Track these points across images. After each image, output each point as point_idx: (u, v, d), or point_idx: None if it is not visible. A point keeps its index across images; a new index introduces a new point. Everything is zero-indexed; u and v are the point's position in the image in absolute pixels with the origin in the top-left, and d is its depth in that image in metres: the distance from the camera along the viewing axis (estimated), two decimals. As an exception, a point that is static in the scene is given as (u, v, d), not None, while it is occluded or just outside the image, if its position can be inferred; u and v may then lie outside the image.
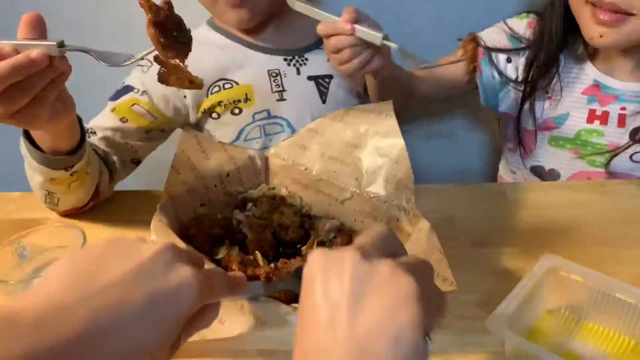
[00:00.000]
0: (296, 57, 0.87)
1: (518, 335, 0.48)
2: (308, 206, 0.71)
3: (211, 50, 0.85)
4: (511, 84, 0.93)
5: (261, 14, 0.82)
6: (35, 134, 0.63)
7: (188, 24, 0.72)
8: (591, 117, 0.88)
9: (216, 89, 0.84)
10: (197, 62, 0.79)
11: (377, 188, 0.66)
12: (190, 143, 0.66)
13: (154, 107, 0.82)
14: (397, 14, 1.10)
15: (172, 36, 0.52)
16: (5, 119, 0.52)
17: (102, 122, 0.81)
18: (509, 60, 0.93)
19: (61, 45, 0.50)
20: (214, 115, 0.86)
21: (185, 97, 0.84)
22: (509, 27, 0.94)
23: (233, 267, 0.56)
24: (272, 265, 0.56)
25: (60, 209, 0.75)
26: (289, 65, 0.87)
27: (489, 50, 0.94)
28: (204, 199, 0.66)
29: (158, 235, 0.54)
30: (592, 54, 0.88)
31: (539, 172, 0.96)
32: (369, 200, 0.66)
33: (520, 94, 0.92)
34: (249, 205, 0.67)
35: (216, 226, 0.63)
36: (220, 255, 0.60)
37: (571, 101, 0.89)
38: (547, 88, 0.90)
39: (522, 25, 0.93)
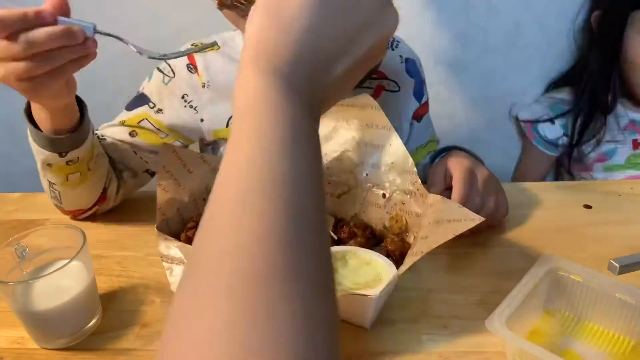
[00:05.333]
0: None
1: (518, 335, 0.48)
2: None
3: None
4: (559, 141, 1.16)
5: None
6: (35, 113, 0.63)
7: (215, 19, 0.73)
8: (635, 144, 1.11)
9: None
10: (225, 85, 0.78)
11: (375, 178, 0.66)
12: (170, 158, 0.64)
13: (165, 127, 0.79)
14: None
15: None
16: (21, 81, 0.52)
17: (113, 133, 0.78)
18: (552, 122, 1.16)
19: (96, 29, 0.53)
20: None
21: (202, 120, 0.79)
22: (551, 97, 1.18)
23: None
24: None
25: (64, 207, 0.74)
26: None
27: (536, 122, 1.18)
28: (193, 215, 0.66)
29: (167, 249, 0.54)
30: (627, 101, 1.10)
31: None
32: (369, 190, 0.66)
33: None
34: None
35: None
36: None
37: (614, 138, 1.10)
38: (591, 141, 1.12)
39: (565, 93, 1.16)
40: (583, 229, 0.69)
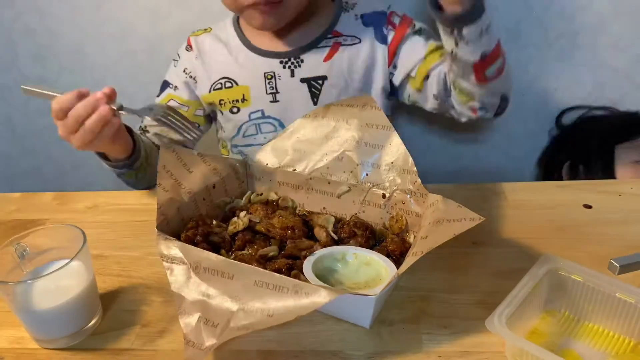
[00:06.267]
0: (292, 59, 0.89)
1: (518, 335, 0.48)
2: (301, 206, 0.71)
3: (222, 50, 0.93)
4: None
5: (286, 20, 0.85)
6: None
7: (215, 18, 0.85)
8: None
9: (218, 86, 0.92)
10: (209, 57, 0.93)
11: (375, 177, 0.66)
12: (170, 158, 0.65)
13: (184, 100, 0.95)
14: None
15: None
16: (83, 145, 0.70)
17: (151, 120, 0.91)
18: None
19: (120, 108, 0.69)
20: (219, 112, 0.95)
21: (195, 83, 0.95)
22: None
23: (283, 270, 0.57)
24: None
25: (136, 189, 0.88)
26: (284, 67, 0.89)
27: None
28: (194, 214, 0.66)
29: (168, 248, 0.54)
30: None
31: None
32: (369, 190, 0.66)
33: None
34: (243, 213, 0.67)
35: (212, 234, 0.63)
36: None
37: None
38: None
39: None
40: (583, 229, 0.69)
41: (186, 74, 0.95)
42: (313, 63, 0.89)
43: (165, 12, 1.18)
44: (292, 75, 0.89)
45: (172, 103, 0.95)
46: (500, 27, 1.18)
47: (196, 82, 0.94)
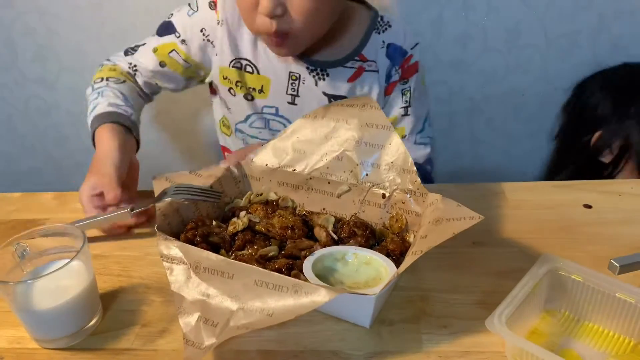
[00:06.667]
0: (318, 70, 0.87)
1: (518, 335, 0.48)
2: (301, 206, 0.71)
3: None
4: None
5: (302, 48, 0.83)
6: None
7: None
8: None
9: (238, 64, 0.88)
10: (236, 30, 0.86)
11: (375, 177, 0.66)
12: (164, 184, 0.66)
13: (189, 57, 0.88)
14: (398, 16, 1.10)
15: None
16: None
17: (145, 63, 0.89)
18: None
19: (132, 209, 0.69)
20: (232, 91, 0.90)
21: (216, 55, 0.88)
22: None
23: (283, 270, 0.57)
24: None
25: None
26: (309, 73, 0.87)
27: None
28: (194, 215, 0.66)
29: (168, 248, 0.54)
30: None
31: None
32: (369, 189, 0.67)
33: None
34: (243, 213, 0.67)
35: (212, 234, 0.63)
36: None
37: None
38: None
39: None
40: (583, 229, 0.69)
41: (204, 36, 0.87)
42: (337, 80, 0.88)
43: (165, 12, 1.18)
44: (316, 84, 0.88)
45: (173, 55, 0.88)
46: (500, 27, 1.19)
47: (214, 47, 0.87)
